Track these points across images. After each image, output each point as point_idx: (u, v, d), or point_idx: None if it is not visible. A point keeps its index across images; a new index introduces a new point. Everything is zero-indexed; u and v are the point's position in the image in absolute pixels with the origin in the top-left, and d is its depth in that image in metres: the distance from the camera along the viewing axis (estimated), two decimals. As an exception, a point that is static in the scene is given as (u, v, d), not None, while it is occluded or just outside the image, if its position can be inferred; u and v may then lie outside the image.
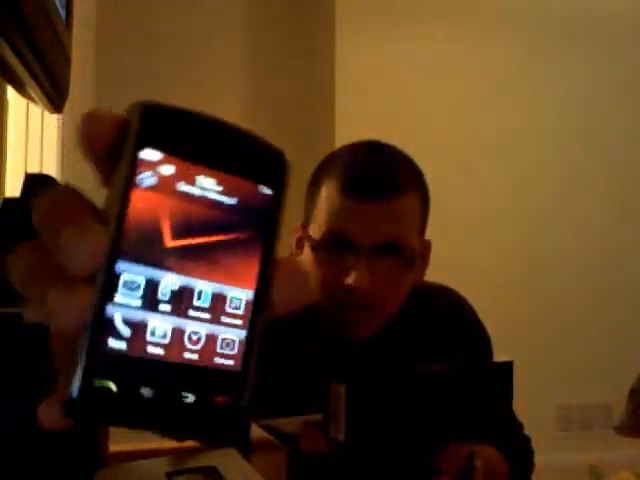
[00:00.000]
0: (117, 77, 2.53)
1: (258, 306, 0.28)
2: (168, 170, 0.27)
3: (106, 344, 0.25)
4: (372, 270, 0.85)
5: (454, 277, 2.62)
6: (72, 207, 0.26)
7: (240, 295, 0.28)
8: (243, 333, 0.28)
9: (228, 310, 0.28)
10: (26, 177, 0.66)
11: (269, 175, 0.30)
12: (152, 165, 0.26)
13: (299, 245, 0.95)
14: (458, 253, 2.61)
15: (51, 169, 1.66)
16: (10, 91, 0.96)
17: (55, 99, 0.75)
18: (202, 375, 0.27)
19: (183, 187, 0.27)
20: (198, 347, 0.27)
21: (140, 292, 0.26)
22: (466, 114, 2.69)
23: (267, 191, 0.29)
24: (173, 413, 0.26)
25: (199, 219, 0.27)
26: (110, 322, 0.25)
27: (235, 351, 0.28)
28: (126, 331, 0.25)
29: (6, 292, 0.61)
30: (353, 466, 0.67)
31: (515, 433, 1.07)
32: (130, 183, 0.26)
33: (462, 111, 2.69)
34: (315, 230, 0.90)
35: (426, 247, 0.96)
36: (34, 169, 1.56)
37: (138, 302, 0.26)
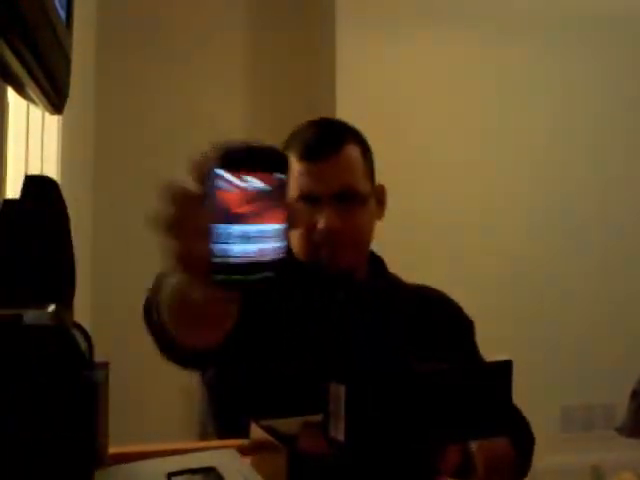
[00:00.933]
0: (117, 78, 2.54)
1: None
2: (230, 176, 0.53)
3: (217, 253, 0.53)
4: (334, 212, 1.09)
5: (455, 277, 2.63)
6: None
7: (279, 226, 0.56)
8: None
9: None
10: (26, 179, 0.66)
11: (279, 166, 0.56)
12: (222, 176, 0.53)
13: None
14: (459, 253, 2.61)
15: (51, 170, 1.67)
16: (10, 92, 0.96)
17: (55, 100, 0.75)
18: None
19: (240, 183, 0.53)
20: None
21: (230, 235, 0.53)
22: (466, 113, 2.69)
23: (280, 176, 0.55)
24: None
25: (250, 196, 0.53)
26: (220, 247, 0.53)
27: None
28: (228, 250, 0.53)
29: (6, 292, 0.61)
30: (353, 466, 0.67)
31: (517, 424, 1.08)
32: (213, 185, 0.53)
33: (462, 111, 2.69)
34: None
35: (380, 190, 1.19)
36: (34, 170, 1.57)
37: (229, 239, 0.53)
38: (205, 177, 0.53)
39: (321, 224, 1.08)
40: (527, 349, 2.51)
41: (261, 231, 0.54)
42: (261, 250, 0.54)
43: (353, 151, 1.13)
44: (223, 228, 0.52)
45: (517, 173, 2.73)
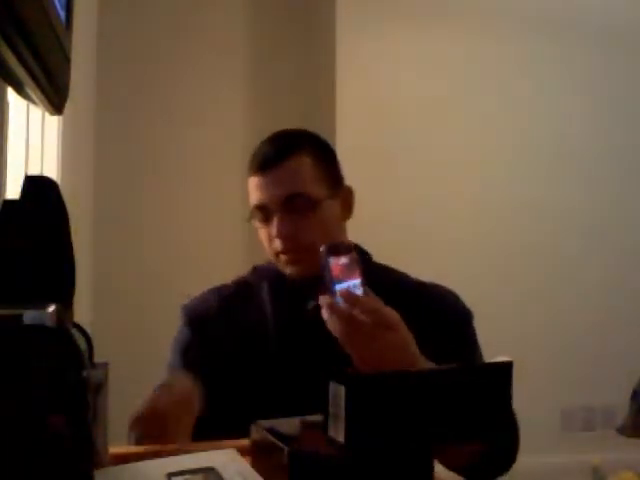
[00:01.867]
0: (117, 78, 2.54)
1: None
2: (332, 259, 0.94)
3: None
4: (283, 220, 1.13)
5: (456, 276, 2.62)
6: None
7: (359, 280, 0.97)
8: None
9: None
10: (26, 179, 0.66)
11: (350, 249, 0.99)
12: (329, 260, 0.94)
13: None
14: (460, 252, 2.61)
15: (52, 171, 1.67)
16: (10, 92, 0.96)
17: (55, 100, 0.75)
18: None
19: (337, 261, 0.94)
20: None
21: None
22: (467, 113, 2.69)
23: (353, 254, 0.96)
24: None
25: (343, 267, 0.94)
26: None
27: None
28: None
29: (6, 292, 0.61)
30: (353, 467, 0.67)
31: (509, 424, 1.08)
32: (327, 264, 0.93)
33: (463, 110, 2.69)
34: (249, 211, 1.20)
35: (346, 192, 1.21)
36: (34, 171, 1.57)
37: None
38: (323, 261, 0.92)
39: (273, 232, 1.13)
40: (527, 349, 2.51)
41: (353, 284, 0.92)
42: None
43: (302, 158, 1.16)
44: (337, 285, 0.91)
45: (516, 169, 2.73)
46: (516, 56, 2.74)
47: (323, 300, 0.91)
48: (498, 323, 2.53)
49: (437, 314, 1.15)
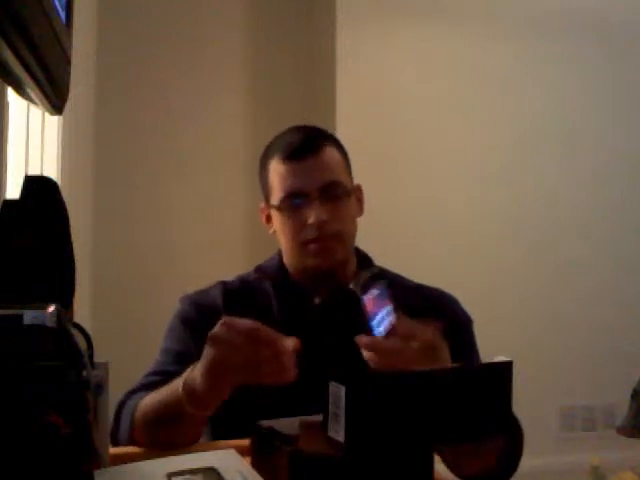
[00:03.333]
0: (117, 78, 2.54)
1: None
2: (366, 296, 0.95)
3: None
4: (323, 206, 1.13)
5: (452, 275, 2.63)
6: None
7: (391, 306, 0.96)
8: None
9: None
10: (26, 179, 0.66)
11: (379, 280, 1.02)
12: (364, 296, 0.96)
13: (268, 220, 1.22)
14: (460, 252, 2.61)
15: (51, 170, 1.67)
16: (10, 92, 0.96)
17: (55, 100, 0.75)
18: None
19: (370, 295, 0.95)
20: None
21: None
22: (467, 113, 2.69)
23: (382, 285, 0.97)
24: None
25: (376, 298, 0.95)
26: None
27: None
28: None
29: (6, 292, 0.61)
30: (353, 467, 0.67)
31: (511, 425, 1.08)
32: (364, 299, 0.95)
33: (463, 110, 2.69)
34: (275, 198, 1.17)
35: (358, 189, 1.25)
36: (34, 171, 1.57)
37: None
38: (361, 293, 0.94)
39: (312, 219, 1.12)
40: (527, 349, 2.51)
41: (387, 312, 0.92)
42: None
43: (333, 151, 1.19)
44: (372, 320, 0.92)
45: (517, 169, 2.73)
46: (516, 55, 2.74)
47: (360, 340, 0.90)
48: (498, 323, 2.53)
49: (436, 318, 1.14)
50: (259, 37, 2.75)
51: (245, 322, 0.87)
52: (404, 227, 2.52)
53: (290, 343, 0.86)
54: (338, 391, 0.65)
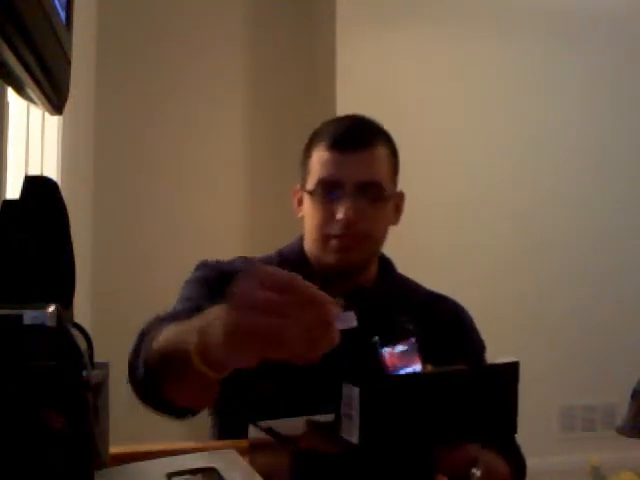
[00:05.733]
0: (117, 78, 2.53)
1: None
2: (387, 349, 0.88)
3: None
4: (356, 203, 1.06)
5: (457, 274, 2.62)
6: None
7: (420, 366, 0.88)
8: None
9: None
10: (26, 179, 0.66)
11: (410, 335, 0.92)
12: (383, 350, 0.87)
13: (299, 203, 1.16)
14: (458, 251, 2.61)
15: (51, 171, 1.67)
16: (10, 92, 0.96)
17: (55, 100, 0.75)
18: None
19: (393, 350, 0.88)
20: None
21: None
22: (467, 113, 2.69)
23: (412, 340, 0.88)
24: None
25: (400, 355, 0.87)
26: None
27: None
28: None
29: (6, 292, 0.61)
30: (364, 467, 0.68)
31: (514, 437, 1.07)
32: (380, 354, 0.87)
33: (463, 110, 2.69)
34: (310, 182, 1.11)
35: (399, 196, 1.19)
36: (35, 170, 1.57)
37: None
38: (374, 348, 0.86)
39: (340, 214, 1.06)
40: (527, 349, 2.51)
41: (414, 371, 0.86)
42: None
43: (383, 150, 1.13)
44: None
45: (517, 169, 2.73)
46: (516, 55, 2.74)
47: None
48: (498, 323, 2.53)
49: (454, 337, 1.12)
50: (259, 37, 2.75)
51: (279, 272, 0.60)
52: (404, 227, 2.51)
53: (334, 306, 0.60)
54: (352, 392, 0.65)
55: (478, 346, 1.17)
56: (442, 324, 1.12)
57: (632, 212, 2.82)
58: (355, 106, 2.57)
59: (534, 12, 2.73)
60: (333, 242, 1.07)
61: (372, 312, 1.05)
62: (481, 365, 1.02)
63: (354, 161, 1.08)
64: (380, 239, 1.15)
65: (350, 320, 0.62)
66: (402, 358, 0.87)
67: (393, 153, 1.16)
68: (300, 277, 0.60)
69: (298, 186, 1.17)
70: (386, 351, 0.87)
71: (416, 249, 2.52)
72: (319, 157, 1.10)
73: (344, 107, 2.54)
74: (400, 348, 0.87)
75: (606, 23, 2.79)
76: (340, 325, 0.60)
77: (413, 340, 0.89)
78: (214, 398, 0.80)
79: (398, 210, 1.19)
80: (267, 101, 2.72)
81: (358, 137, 1.10)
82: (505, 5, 2.74)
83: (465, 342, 1.15)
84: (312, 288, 0.60)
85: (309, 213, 1.11)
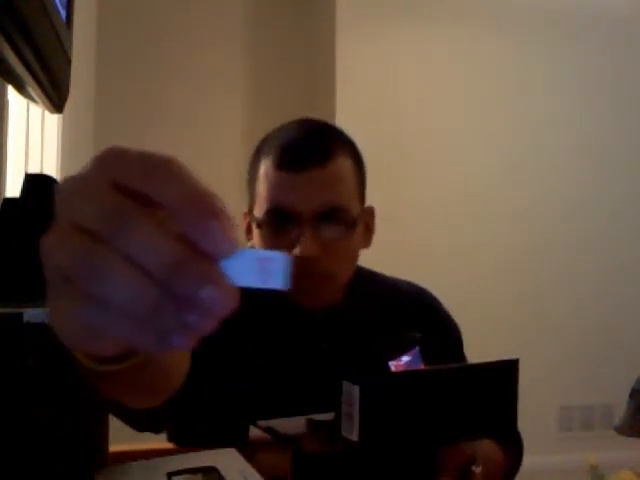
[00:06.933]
0: (118, 77, 2.53)
1: None
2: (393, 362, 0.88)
3: None
4: (316, 238, 0.87)
5: (456, 275, 2.62)
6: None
7: None
8: None
9: None
10: (26, 177, 0.66)
11: (414, 344, 0.96)
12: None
13: (248, 231, 0.97)
14: (458, 250, 2.61)
15: (51, 169, 1.67)
16: (10, 91, 0.96)
17: (55, 99, 0.75)
18: None
19: (398, 362, 0.91)
20: None
21: None
22: (467, 112, 2.69)
23: (415, 350, 0.92)
24: None
25: (404, 366, 0.90)
26: None
27: None
28: None
29: (6, 290, 0.61)
30: (364, 466, 0.68)
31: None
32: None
33: (463, 109, 2.69)
34: (258, 209, 0.92)
35: (369, 213, 0.98)
36: (34, 169, 1.57)
37: None
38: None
39: (297, 250, 0.86)
40: (525, 349, 2.50)
41: None
42: None
43: (345, 162, 0.92)
44: None
45: (517, 169, 2.73)
46: (516, 55, 2.74)
47: None
48: (497, 322, 2.53)
49: (429, 326, 1.02)
50: (259, 37, 2.75)
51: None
52: (404, 227, 2.52)
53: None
54: (352, 391, 0.65)
55: (455, 337, 1.07)
56: (410, 310, 1.02)
57: (632, 212, 2.83)
58: (355, 106, 2.59)
59: (534, 12, 2.73)
60: (298, 282, 0.84)
61: (352, 329, 0.97)
62: (482, 363, 1.02)
63: (310, 182, 0.87)
64: (349, 273, 0.95)
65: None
66: (408, 368, 0.85)
67: (357, 163, 0.96)
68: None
69: (245, 211, 0.98)
70: (392, 364, 0.84)
71: (416, 249, 2.52)
72: (267, 176, 0.90)
73: (344, 107, 2.54)
74: (405, 359, 0.85)
75: (606, 23, 2.79)
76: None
77: (416, 349, 0.87)
78: (161, 386, 0.57)
79: (369, 230, 0.99)
80: (267, 101, 2.72)
81: (312, 150, 0.89)
82: (505, 5, 2.74)
83: (437, 325, 1.05)
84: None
85: (259, 247, 0.90)
